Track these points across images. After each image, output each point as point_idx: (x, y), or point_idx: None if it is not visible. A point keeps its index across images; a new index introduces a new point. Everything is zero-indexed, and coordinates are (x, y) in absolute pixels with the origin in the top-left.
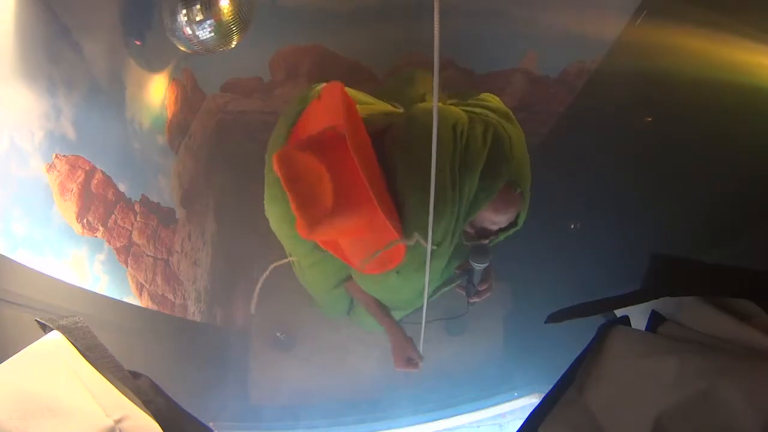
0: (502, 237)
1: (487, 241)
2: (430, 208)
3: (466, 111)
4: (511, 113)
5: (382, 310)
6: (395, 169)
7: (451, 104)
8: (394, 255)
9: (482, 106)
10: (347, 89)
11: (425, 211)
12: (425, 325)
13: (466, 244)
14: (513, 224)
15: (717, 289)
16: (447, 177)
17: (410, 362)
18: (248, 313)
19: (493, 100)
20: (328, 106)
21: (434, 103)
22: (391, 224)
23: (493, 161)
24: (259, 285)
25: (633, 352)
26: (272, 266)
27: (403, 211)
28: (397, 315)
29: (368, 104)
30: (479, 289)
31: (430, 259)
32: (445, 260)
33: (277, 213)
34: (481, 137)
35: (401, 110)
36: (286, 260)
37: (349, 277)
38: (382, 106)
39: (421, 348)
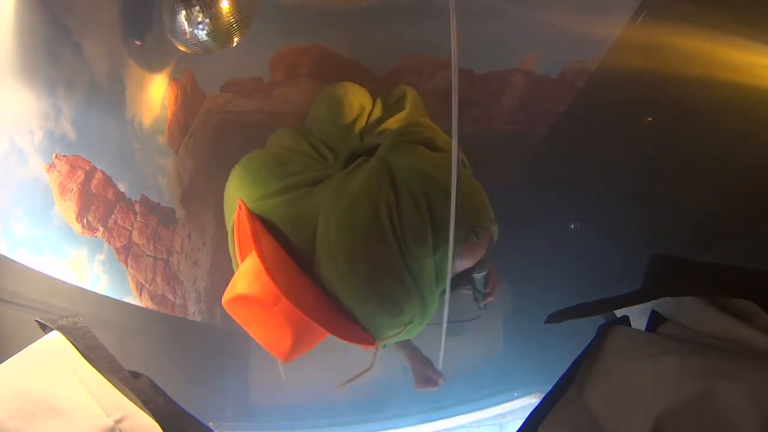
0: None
1: (476, 271)
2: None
3: (384, 164)
4: (431, 135)
5: (401, 345)
6: (334, 288)
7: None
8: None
9: (394, 144)
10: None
11: (380, 314)
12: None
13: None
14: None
15: (717, 289)
16: (397, 269)
17: (429, 381)
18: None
19: (420, 129)
20: (241, 241)
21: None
22: (352, 341)
23: (439, 227)
24: None
25: (633, 352)
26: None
27: (360, 322)
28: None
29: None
30: (486, 291)
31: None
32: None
33: None
34: (413, 210)
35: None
36: None
37: None
38: (311, 168)
39: (440, 365)
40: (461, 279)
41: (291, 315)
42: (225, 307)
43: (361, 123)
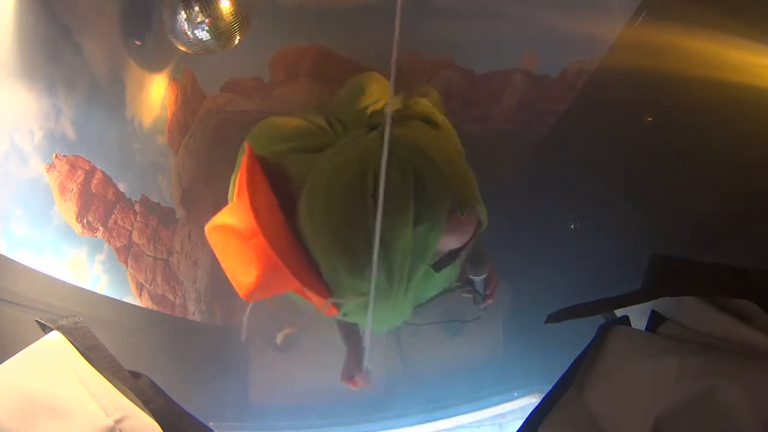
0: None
1: (462, 254)
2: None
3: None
4: (432, 112)
5: (348, 332)
6: (307, 244)
7: (372, 126)
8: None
9: (398, 120)
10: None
11: (342, 269)
12: (423, 327)
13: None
14: (480, 226)
15: (717, 289)
16: (368, 230)
17: (351, 380)
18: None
19: (420, 103)
20: (240, 179)
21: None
22: (311, 291)
23: (423, 200)
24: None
25: (633, 352)
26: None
27: (324, 276)
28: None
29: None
30: (486, 293)
31: (377, 297)
32: (407, 292)
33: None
34: (401, 179)
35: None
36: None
37: None
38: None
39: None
40: (448, 260)
41: (262, 253)
42: (207, 234)
43: (376, 107)
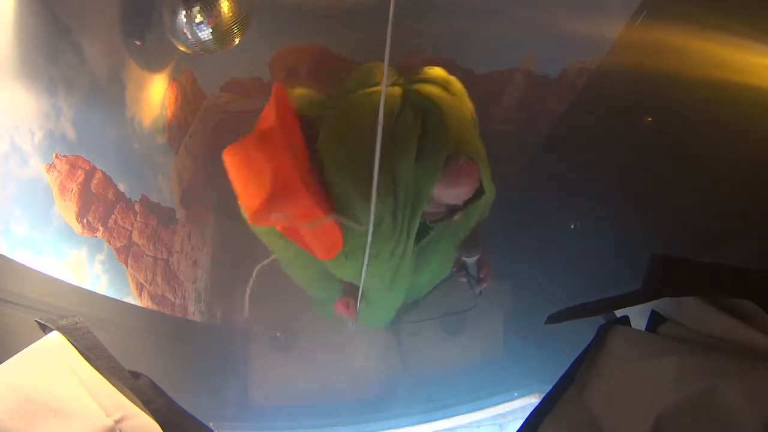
0: (474, 214)
1: (458, 215)
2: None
3: (404, 88)
4: (450, 80)
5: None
6: (324, 160)
7: (392, 84)
8: (334, 239)
9: (421, 80)
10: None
11: (353, 197)
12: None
13: (432, 223)
14: (480, 191)
15: (717, 289)
16: (364, 166)
17: (347, 308)
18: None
19: (435, 71)
20: (269, 106)
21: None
22: (320, 207)
23: (427, 140)
24: (249, 289)
25: (633, 352)
26: (257, 268)
27: (334, 200)
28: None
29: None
30: (480, 276)
31: (373, 241)
32: (407, 246)
33: (258, 229)
34: (411, 118)
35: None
36: (268, 260)
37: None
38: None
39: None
40: (445, 214)
41: (279, 168)
42: (225, 156)
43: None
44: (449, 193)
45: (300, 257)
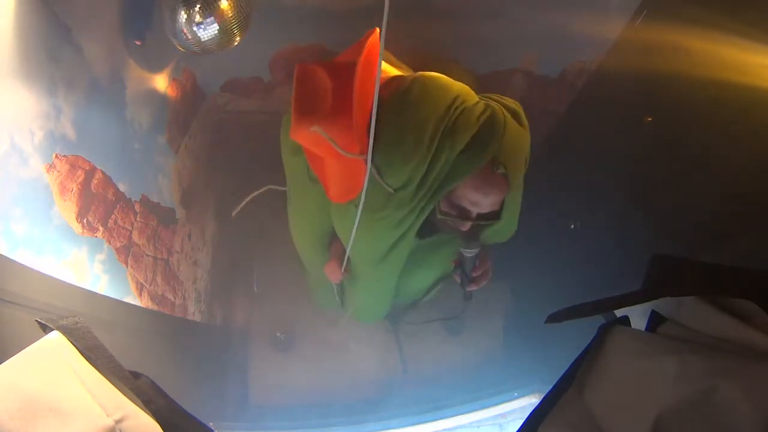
0: (489, 235)
1: (467, 228)
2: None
3: (481, 97)
4: (521, 113)
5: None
6: (383, 121)
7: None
8: (353, 185)
9: (495, 99)
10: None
11: (393, 156)
12: (423, 327)
13: (441, 218)
14: (496, 215)
15: (717, 289)
16: (428, 133)
17: (329, 274)
18: (248, 313)
19: (510, 100)
20: (357, 45)
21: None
22: (359, 145)
23: (480, 138)
24: (248, 198)
25: (633, 352)
26: (268, 187)
27: (375, 152)
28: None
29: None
30: (474, 275)
31: (393, 205)
32: (414, 224)
33: (285, 141)
34: (477, 114)
35: None
36: (282, 188)
37: (332, 231)
38: None
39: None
40: (459, 220)
41: (340, 91)
42: (297, 67)
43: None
44: (471, 197)
45: (309, 196)
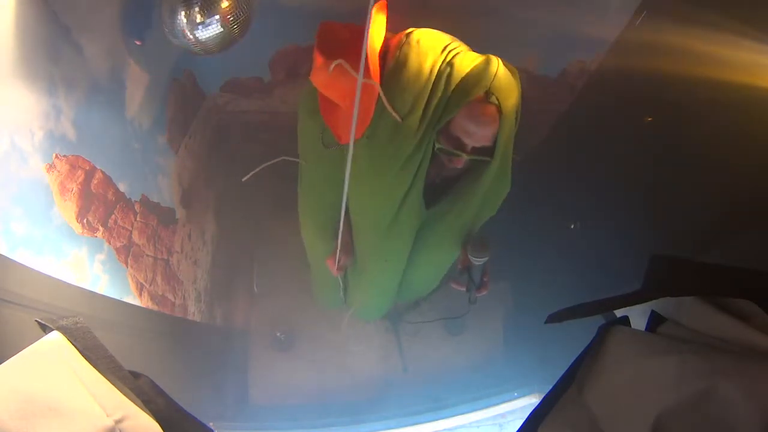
0: (485, 190)
1: (461, 162)
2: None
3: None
4: (515, 71)
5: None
6: (390, 56)
7: None
8: (365, 113)
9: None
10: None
11: (399, 81)
12: (423, 327)
13: (440, 148)
14: (489, 153)
15: (717, 289)
16: (428, 63)
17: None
18: (248, 313)
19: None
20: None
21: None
22: (371, 67)
23: (476, 71)
24: (261, 167)
25: (633, 352)
26: (282, 158)
27: (383, 79)
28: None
29: None
30: (484, 280)
31: (400, 135)
32: (422, 164)
33: (304, 102)
34: (473, 56)
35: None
36: (296, 160)
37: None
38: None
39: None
40: (477, 246)
41: (358, 41)
42: (320, 25)
43: None
44: (466, 127)
45: (322, 163)
